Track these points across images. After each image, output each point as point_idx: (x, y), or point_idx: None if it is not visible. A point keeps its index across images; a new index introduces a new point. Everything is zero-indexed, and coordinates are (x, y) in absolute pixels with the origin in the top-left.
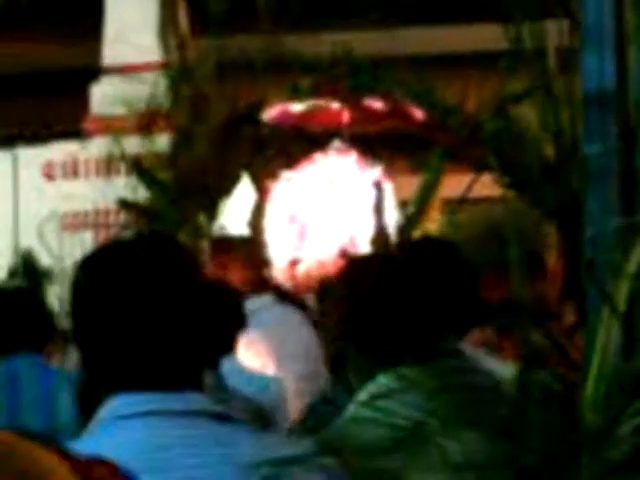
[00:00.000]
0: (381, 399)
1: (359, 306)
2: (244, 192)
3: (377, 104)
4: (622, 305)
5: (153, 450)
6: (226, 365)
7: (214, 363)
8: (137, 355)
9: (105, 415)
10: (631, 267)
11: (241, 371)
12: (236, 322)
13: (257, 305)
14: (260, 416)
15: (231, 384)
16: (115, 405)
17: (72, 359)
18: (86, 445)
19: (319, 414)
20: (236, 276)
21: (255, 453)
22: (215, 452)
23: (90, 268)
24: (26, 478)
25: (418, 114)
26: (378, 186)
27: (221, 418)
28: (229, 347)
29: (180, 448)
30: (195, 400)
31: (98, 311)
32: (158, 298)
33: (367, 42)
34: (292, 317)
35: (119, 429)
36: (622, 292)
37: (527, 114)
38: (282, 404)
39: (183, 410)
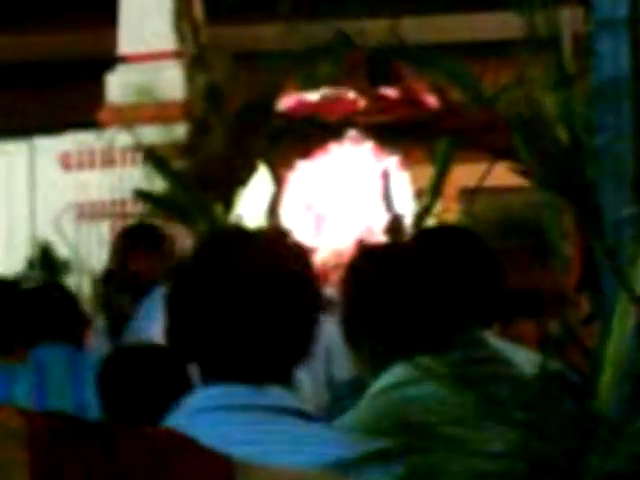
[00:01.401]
0: (396, 389)
1: (367, 293)
2: (261, 182)
3: (392, 92)
4: (637, 294)
5: (238, 443)
6: None
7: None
8: (234, 346)
9: (193, 405)
10: None
11: None
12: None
13: None
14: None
15: None
16: (205, 395)
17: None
18: None
19: (343, 405)
20: None
21: (342, 452)
22: (306, 450)
23: (200, 262)
24: None
25: (432, 101)
26: (386, 175)
27: (304, 416)
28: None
29: (271, 444)
30: (282, 397)
31: (204, 301)
32: (260, 292)
33: (384, 30)
34: None
35: (206, 419)
36: (638, 280)
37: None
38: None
39: (271, 405)
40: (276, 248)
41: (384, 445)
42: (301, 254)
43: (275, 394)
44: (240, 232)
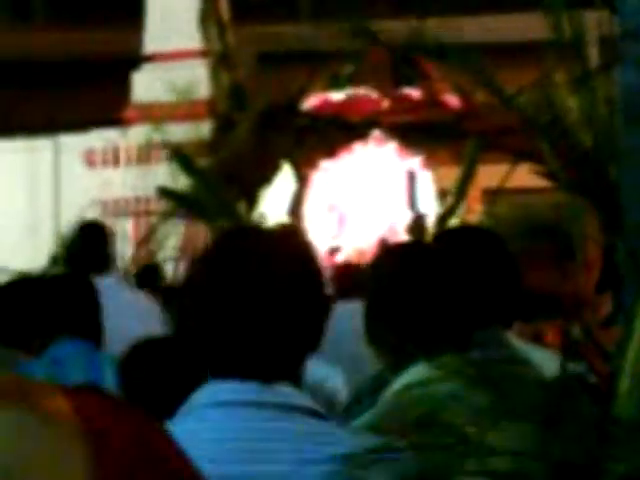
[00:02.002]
0: (417, 388)
1: (389, 292)
2: (284, 181)
3: (415, 93)
4: None
5: (249, 440)
6: None
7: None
8: (245, 342)
9: (202, 400)
10: None
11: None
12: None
13: None
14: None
15: None
16: (215, 390)
17: None
18: (181, 427)
19: (364, 405)
20: None
21: (352, 451)
22: (311, 448)
23: (210, 260)
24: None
25: (454, 103)
26: (411, 176)
27: (315, 415)
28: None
29: (276, 442)
30: (292, 394)
31: (215, 299)
32: (272, 289)
33: (408, 30)
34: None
35: (216, 414)
36: None
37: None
38: (338, 396)
39: (281, 403)
40: (285, 247)
41: (397, 443)
42: (309, 253)
43: (285, 392)
44: (252, 231)
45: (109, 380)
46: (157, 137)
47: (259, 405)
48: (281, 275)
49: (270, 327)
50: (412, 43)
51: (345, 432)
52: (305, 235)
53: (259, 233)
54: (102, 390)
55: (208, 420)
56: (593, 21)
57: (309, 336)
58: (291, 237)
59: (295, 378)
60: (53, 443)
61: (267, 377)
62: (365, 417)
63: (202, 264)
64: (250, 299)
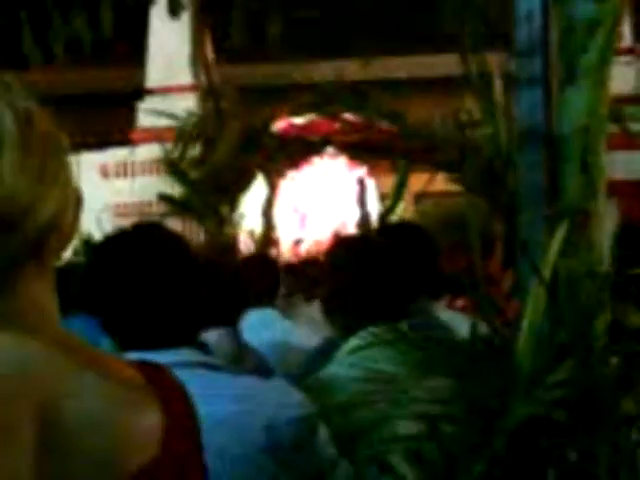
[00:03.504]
0: (355, 354)
1: (342, 275)
2: (259, 188)
3: (357, 119)
4: (547, 275)
5: None
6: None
7: (224, 324)
8: (141, 320)
9: None
10: (554, 246)
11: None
12: (232, 295)
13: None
14: (266, 367)
15: (247, 338)
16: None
17: None
18: None
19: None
20: None
21: (242, 393)
22: (213, 393)
23: (103, 251)
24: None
25: (385, 127)
26: (361, 182)
27: (211, 366)
28: (229, 315)
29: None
30: (193, 354)
31: (109, 284)
32: (154, 274)
33: (353, 69)
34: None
35: None
36: (548, 265)
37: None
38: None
39: (185, 361)
40: (165, 239)
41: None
42: (182, 242)
43: (185, 352)
44: (137, 230)
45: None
46: (157, 154)
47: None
48: (166, 264)
49: (162, 306)
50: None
51: (240, 378)
52: (168, 230)
53: (136, 232)
54: (157, 365)
55: None
56: (496, 61)
57: (196, 311)
58: (162, 233)
59: (192, 342)
60: (135, 404)
61: (168, 345)
62: (325, 370)
63: (102, 263)
64: (143, 285)
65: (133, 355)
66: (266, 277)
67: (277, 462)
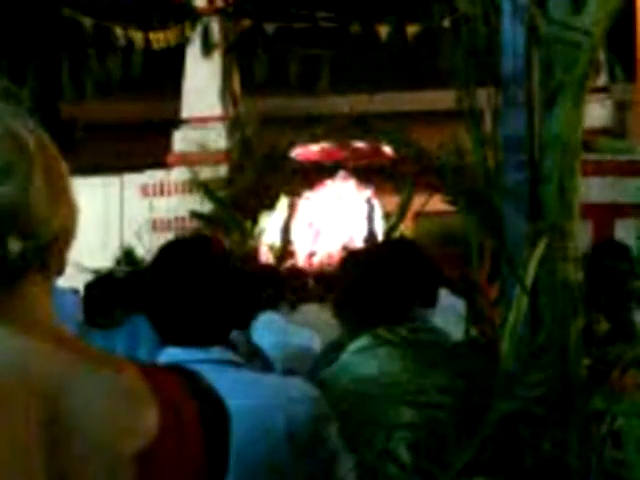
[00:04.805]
0: (359, 354)
1: (351, 282)
2: (282, 206)
3: (365, 146)
4: (529, 286)
5: None
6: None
7: (241, 327)
8: (184, 319)
9: (161, 361)
10: (535, 260)
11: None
12: (252, 301)
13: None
14: (270, 366)
15: (257, 340)
16: (168, 354)
17: None
18: None
19: (329, 359)
20: None
21: (265, 389)
22: (240, 389)
23: (159, 259)
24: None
25: (390, 153)
26: (369, 202)
27: (238, 365)
28: (246, 319)
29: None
30: (224, 353)
31: (163, 286)
32: (201, 281)
33: (362, 102)
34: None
35: None
36: (529, 277)
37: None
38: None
39: (209, 359)
40: (214, 252)
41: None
42: (228, 256)
43: (216, 350)
44: (179, 242)
45: None
46: (190, 176)
47: (200, 362)
48: (210, 272)
49: (202, 307)
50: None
51: (259, 377)
52: (217, 241)
53: (187, 243)
54: (177, 369)
55: None
56: (485, 95)
57: (229, 314)
58: (217, 245)
59: (225, 342)
60: (133, 403)
61: (203, 343)
62: (332, 367)
63: (158, 269)
64: (189, 289)
65: (172, 350)
66: (271, 285)
67: (296, 453)
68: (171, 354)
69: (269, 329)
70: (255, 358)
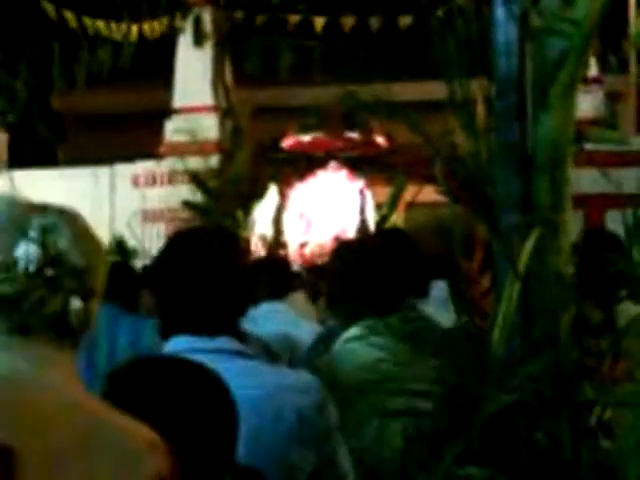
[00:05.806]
0: (352, 344)
1: (344, 273)
2: (271, 196)
3: (356, 136)
4: (520, 275)
5: None
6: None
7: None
8: (194, 307)
9: (169, 350)
10: (527, 250)
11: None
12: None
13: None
14: (272, 354)
15: (258, 328)
16: (175, 342)
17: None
18: None
19: (324, 345)
20: None
21: (272, 380)
22: (247, 379)
23: (169, 249)
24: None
25: (383, 142)
26: (361, 193)
27: (246, 355)
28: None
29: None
30: (231, 342)
31: (172, 278)
32: (212, 271)
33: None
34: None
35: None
36: (521, 267)
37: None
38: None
39: (217, 348)
40: (219, 243)
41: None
42: (235, 248)
43: (224, 340)
44: (196, 234)
45: (148, 338)
46: (181, 166)
47: (206, 351)
48: (216, 264)
49: (209, 297)
50: (361, 103)
51: (266, 367)
52: (230, 234)
53: (200, 236)
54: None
55: None
56: (478, 86)
57: (234, 304)
58: (223, 237)
59: (232, 332)
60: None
61: (210, 332)
62: (327, 356)
63: (167, 261)
64: (195, 280)
65: (180, 338)
66: (277, 276)
67: (303, 443)
68: (178, 342)
69: (272, 319)
70: (261, 349)
